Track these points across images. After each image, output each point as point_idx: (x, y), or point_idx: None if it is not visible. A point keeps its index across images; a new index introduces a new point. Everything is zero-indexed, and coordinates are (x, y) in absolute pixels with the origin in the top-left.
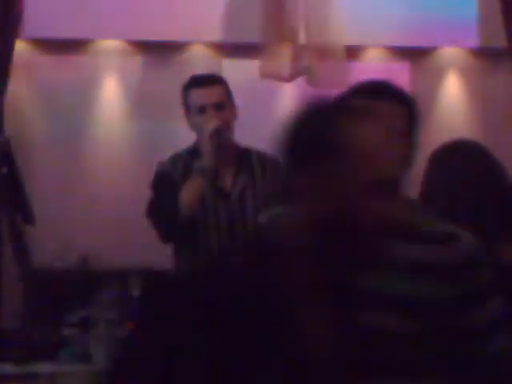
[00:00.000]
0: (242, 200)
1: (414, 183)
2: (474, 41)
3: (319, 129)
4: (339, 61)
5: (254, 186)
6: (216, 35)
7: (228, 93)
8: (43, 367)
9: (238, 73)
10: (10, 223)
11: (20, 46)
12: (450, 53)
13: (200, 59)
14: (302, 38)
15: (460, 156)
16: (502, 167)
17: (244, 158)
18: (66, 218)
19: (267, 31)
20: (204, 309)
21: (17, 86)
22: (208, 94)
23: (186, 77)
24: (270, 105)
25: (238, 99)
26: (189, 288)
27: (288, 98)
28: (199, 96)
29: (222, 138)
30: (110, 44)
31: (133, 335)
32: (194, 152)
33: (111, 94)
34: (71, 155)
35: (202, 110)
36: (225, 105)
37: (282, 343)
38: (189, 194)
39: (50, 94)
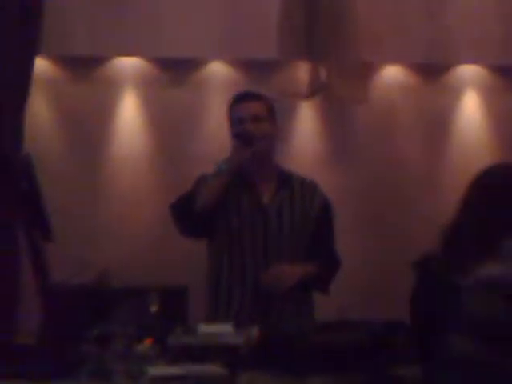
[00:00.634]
0: (280, 215)
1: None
2: (493, 59)
3: None
4: (357, 77)
5: (292, 203)
6: (234, 52)
7: (269, 109)
8: None
9: (258, 90)
10: (29, 239)
11: (40, 63)
12: (469, 70)
13: (218, 76)
14: (320, 55)
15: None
16: None
17: (284, 177)
18: (85, 235)
19: (284, 47)
20: None
21: (36, 103)
22: (247, 107)
23: (204, 93)
24: (286, 123)
25: None
26: None
27: (307, 117)
28: (239, 109)
29: (255, 146)
30: (129, 61)
31: None
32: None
33: (130, 111)
34: (90, 171)
35: (241, 121)
36: (263, 119)
37: None
38: (207, 189)
39: (69, 110)
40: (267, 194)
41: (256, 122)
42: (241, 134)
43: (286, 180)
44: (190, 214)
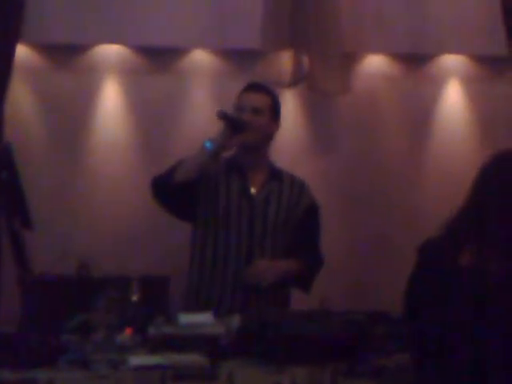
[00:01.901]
0: (266, 203)
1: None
2: (476, 48)
3: None
4: (340, 67)
5: (280, 197)
6: (216, 41)
7: (272, 105)
8: (42, 373)
9: (238, 79)
10: (9, 228)
11: (21, 51)
12: (451, 60)
13: (201, 65)
14: (303, 45)
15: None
16: None
17: (275, 171)
18: (66, 224)
19: (267, 37)
20: None
21: (17, 91)
22: (250, 97)
23: (187, 82)
24: None
25: None
26: None
27: (290, 107)
28: (243, 97)
29: (243, 136)
30: (111, 49)
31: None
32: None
33: (112, 99)
34: (71, 160)
35: (241, 109)
36: (263, 112)
37: None
38: (188, 162)
39: (50, 98)
40: (256, 184)
41: (255, 113)
42: (231, 118)
43: (276, 175)
44: (168, 183)
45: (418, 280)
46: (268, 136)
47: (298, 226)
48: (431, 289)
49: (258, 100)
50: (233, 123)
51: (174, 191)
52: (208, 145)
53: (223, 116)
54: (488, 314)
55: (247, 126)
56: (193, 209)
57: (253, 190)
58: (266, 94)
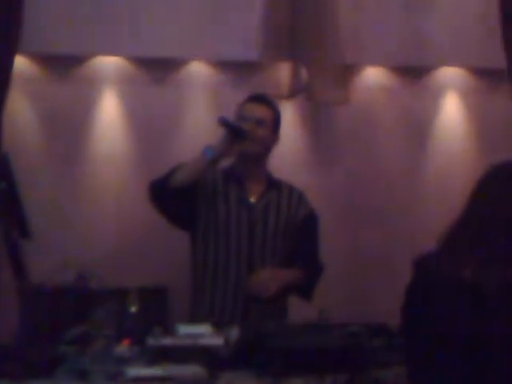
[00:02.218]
0: (265, 212)
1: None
2: (474, 60)
3: None
4: (338, 79)
5: (279, 206)
6: (215, 52)
7: (274, 118)
8: None
9: (236, 91)
10: (7, 238)
11: (19, 61)
12: (449, 72)
13: (199, 76)
14: (301, 56)
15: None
16: None
17: (274, 182)
18: (64, 235)
19: (265, 49)
20: None
21: (15, 101)
22: (254, 109)
23: (184, 93)
24: None
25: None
26: None
27: (288, 118)
28: (246, 108)
29: (244, 145)
30: (109, 60)
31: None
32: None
33: (110, 110)
34: (69, 171)
35: (244, 120)
36: (266, 125)
37: None
38: (186, 167)
39: (49, 108)
40: (255, 194)
41: (257, 124)
42: (232, 126)
43: (274, 185)
44: (164, 187)
45: (414, 293)
46: (268, 147)
47: (298, 235)
48: (427, 302)
49: (261, 111)
50: (233, 131)
51: (171, 195)
52: (207, 151)
53: (224, 123)
54: (487, 328)
55: (247, 135)
56: (190, 216)
57: (252, 200)
58: (269, 107)
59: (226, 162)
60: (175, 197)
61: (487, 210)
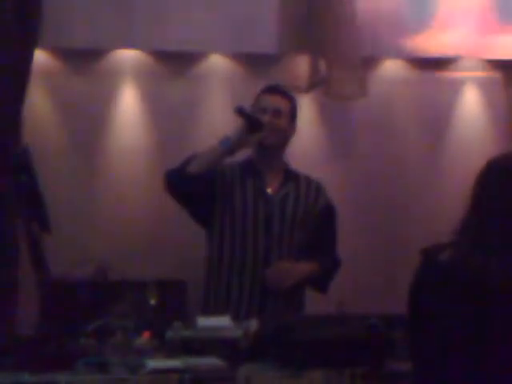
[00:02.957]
0: (283, 203)
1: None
2: (492, 52)
3: None
4: (357, 72)
5: (296, 198)
6: (233, 45)
7: (292, 108)
8: (60, 377)
9: (255, 84)
10: (28, 231)
11: (38, 55)
12: (468, 64)
13: (218, 69)
14: (320, 49)
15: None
16: None
17: (292, 174)
18: (84, 228)
19: (284, 42)
20: None
21: (35, 95)
22: (272, 100)
23: (203, 87)
24: None
25: None
26: None
27: (306, 111)
28: (265, 100)
29: (264, 137)
30: (128, 53)
31: None
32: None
33: (129, 104)
34: (88, 164)
35: (263, 111)
36: (284, 115)
37: None
38: (204, 155)
39: (68, 102)
40: (273, 185)
41: (276, 115)
42: (250, 117)
43: (292, 176)
44: (180, 175)
45: (420, 284)
46: (286, 138)
47: (315, 226)
48: (432, 295)
49: (279, 102)
50: (250, 121)
51: (186, 183)
52: (224, 141)
53: (241, 112)
54: (490, 322)
55: (264, 126)
56: (207, 207)
57: (269, 191)
58: (286, 97)
59: (243, 154)
60: (191, 185)
61: (491, 203)
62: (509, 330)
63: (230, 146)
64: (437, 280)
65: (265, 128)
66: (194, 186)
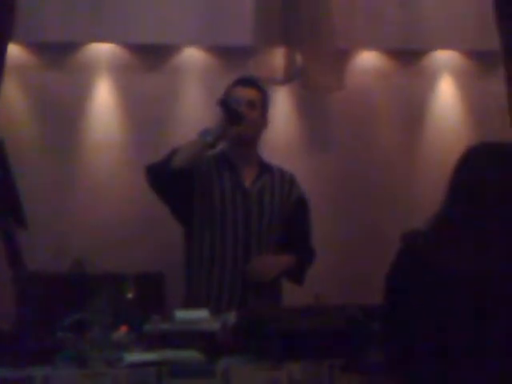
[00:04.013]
0: (260, 198)
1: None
2: (468, 44)
3: None
4: (333, 64)
5: (272, 190)
6: (209, 38)
7: (263, 99)
8: (38, 371)
9: (231, 76)
10: (3, 226)
11: (12, 49)
12: (444, 55)
13: (194, 62)
14: (296, 41)
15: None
16: None
17: (266, 166)
18: (60, 222)
19: (259, 34)
20: None
21: (9, 90)
22: (244, 92)
23: (179, 80)
24: None
25: None
26: None
27: (283, 104)
28: (237, 92)
29: (242, 128)
30: (103, 47)
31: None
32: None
33: (104, 97)
34: (64, 158)
35: (235, 102)
36: (257, 106)
37: None
38: (186, 148)
39: (43, 96)
40: (249, 178)
41: (249, 107)
42: (232, 110)
43: (266, 168)
44: (164, 170)
45: (398, 271)
46: (260, 130)
47: (290, 218)
48: (410, 283)
49: (252, 94)
50: (231, 114)
51: (170, 178)
52: (204, 134)
53: (223, 104)
54: (464, 311)
55: (244, 119)
56: (187, 202)
57: (246, 184)
58: (258, 89)
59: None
60: (174, 180)
61: (470, 190)
62: (480, 317)
63: (211, 139)
64: (412, 268)
65: (244, 120)
66: (177, 181)
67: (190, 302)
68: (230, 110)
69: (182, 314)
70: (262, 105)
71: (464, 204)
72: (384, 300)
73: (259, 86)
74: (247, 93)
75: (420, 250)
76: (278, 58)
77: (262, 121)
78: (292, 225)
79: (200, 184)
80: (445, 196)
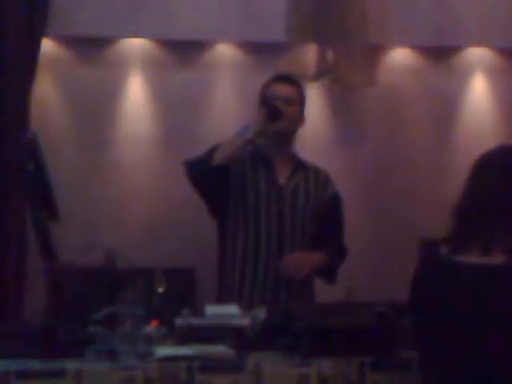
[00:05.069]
0: (294, 194)
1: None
2: (501, 41)
3: None
4: (365, 60)
5: (307, 183)
6: (241, 34)
7: (301, 96)
8: (69, 364)
9: (262, 73)
10: (36, 220)
11: (46, 44)
12: (477, 53)
13: (226, 58)
14: (328, 38)
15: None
16: None
17: (301, 163)
18: (92, 215)
19: (291, 30)
20: None
21: (43, 83)
22: (282, 88)
23: (211, 75)
24: None
25: None
26: None
27: (314, 100)
28: (275, 88)
29: (281, 124)
30: (136, 42)
31: None
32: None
33: (137, 92)
34: (96, 152)
35: (274, 99)
36: (294, 103)
37: None
38: (226, 144)
39: (76, 91)
40: (283, 175)
41: (287, 104)
42: (272, 106)
43: (302, 166)
44: (206, 165)
45: (422, 274)
46: (297, 126)
47: (323, 216)
48: (433, 284)
49: (289, 91)
50: (270, 110)
51: (212, 173)
52: (244, 131)
53: (264, 101)
54: (491, 310)
55: (283, 115)
56: (224, 198)
57: (280, 181)
58: (296, 86)
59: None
60: (215, 175)
61: (485, 194)
62: (506, 320)
63: (250, 136)
64: (437, 273)
65: (282, 117)
66: (217, 177)
67: (223, 297)
68: (269, 106)
69: (212, 309)
70: (300, 101)
71: (484, 206)
72: (412, 306)
73: (296, 83)
74: (284, 89)
75: (444, 254)
76: (310, 54)
77: (299, 117)
78: (325, 222)
79: (234, 179)
80: (464, 198)
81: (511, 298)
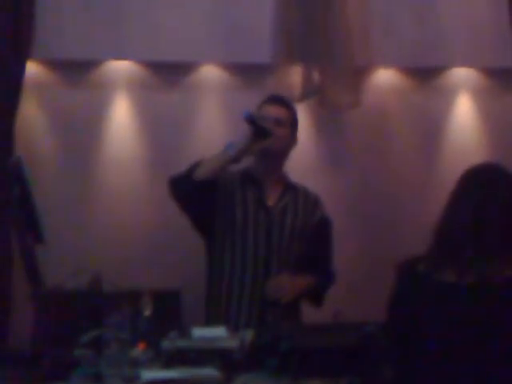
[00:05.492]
0: (283, 214)
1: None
2: (485, 61)
3: None
4: (350, 81)
5: (295, 205)
6: (227, 55)
7: (292, 119)
8: None
9: (248, 94)
10: (21, 243)
11: (31, 66)
12: (461, 73)
13: (211, 80)
14: (313, 59)
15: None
16: None
17: (290, 185)
18: (77, 239)
19: (277, 52)
20: None
21: (27, 107)
22: (273, 109)
23: (196, 97)
24: None
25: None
26: None
27: (300, 121)
28: (266, 109)
29: (267, 143)
30: (121, 64)
31: None
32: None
33: (122, 114)
34: (82, 175)
35: (263, 119)
36: (285, 125)
37: None
38: (210, 161)
39: (61, 114)
40: (272, 196)
41: (277, 125)
42: (258, 125)
43: (291, 187)
44: (187, 181)
45: (399, 292)
46: (287, 147)
47: (311, 239)
48: (411, 301)
49: (281, 112)
50: (257, 129)
51: (193, 188)
52: (230, 148)
53: (249, 119)
54: (469, 328)
55: (270, 134)
56: (209, 215)
57: (269, 202)
58: (288, 108)
59: (243, 163)
60: (197, 191)
61: (467, 214)
62: (484, 338)
63: (235, 153)
64: (415, 289)
65: (270, 136)
66: (199, 193)
67: (210, 315)
68: (256, 124)
69: (199, 332)
70: (291, 123)
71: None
72: (390, 324)
73: (289, 105)
74: (275, 111)
75: (421, 272)
76: (295, 75)
77: (290, 139)
78: (313, 246)
79: (223, 198)
80: (441, 218)
81: (490, 317)
